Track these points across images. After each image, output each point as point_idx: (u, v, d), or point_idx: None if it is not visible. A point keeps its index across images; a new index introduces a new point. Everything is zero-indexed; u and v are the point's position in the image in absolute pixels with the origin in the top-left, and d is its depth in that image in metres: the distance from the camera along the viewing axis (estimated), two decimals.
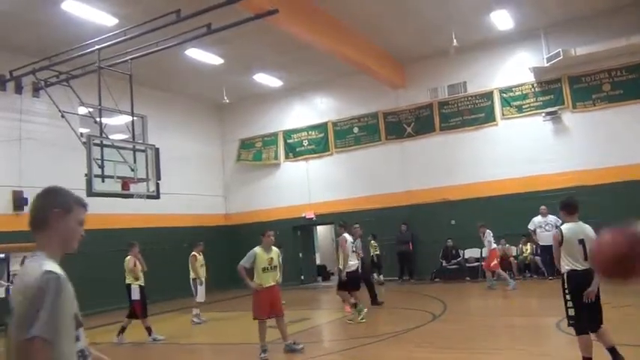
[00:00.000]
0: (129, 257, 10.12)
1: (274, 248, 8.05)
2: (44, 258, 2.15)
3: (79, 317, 2.18)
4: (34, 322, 1.93)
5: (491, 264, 13.68)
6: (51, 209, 2.27)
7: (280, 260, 8.20)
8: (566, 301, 5.30)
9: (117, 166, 10.86)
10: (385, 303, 11.71)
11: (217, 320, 12.28)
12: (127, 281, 10.04)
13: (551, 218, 13.87)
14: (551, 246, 13.24)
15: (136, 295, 9.96)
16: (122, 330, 9.90)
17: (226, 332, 11.01)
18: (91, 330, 10.49)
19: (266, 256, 7.86)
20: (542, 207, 14.17)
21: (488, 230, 13.86)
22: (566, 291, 5.28)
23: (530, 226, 14.29)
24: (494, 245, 13.82)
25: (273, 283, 7.90)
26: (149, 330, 9.95)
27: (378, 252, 16.74)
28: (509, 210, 15.51)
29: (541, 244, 14.11)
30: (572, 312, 5.26)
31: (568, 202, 5.70)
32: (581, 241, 5.26)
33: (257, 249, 7.89)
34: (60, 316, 2.01)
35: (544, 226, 14.08)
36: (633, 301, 8.95)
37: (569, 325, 5.38)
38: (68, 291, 2.08)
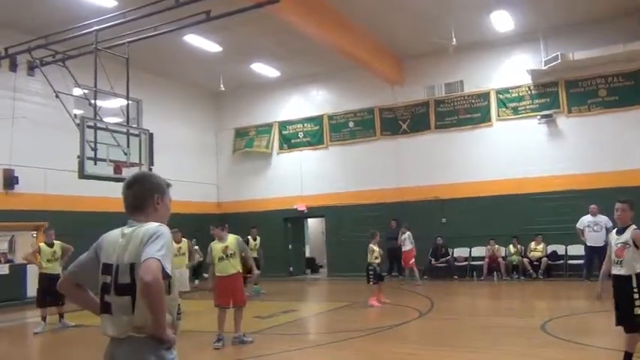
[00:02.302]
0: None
1: (231, 236, 7.98)
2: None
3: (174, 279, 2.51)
4: (154, 250, 2.33)
5: (410, 262, 15.01)
6: (152, 195, 2.64)
7: (239, 248, 7.96)
8: (634, 300, 5.33)
9: (110, 149, 10.78)
10: (365, 299, 11.62)
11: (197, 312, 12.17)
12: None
13: (602, 218, 13.30)
14: (600, 247, 13.28)
15: None
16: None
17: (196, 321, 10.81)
18: (78, 313, 10.46)
19: (220, 245, 7.85)
20: (593, 206, 13.60)
21: (408, 232, 15.11)
22: (635, 289, 5.32)
23: (579, 226, 13.72)
24: (408, 246, 15.06)
25: (233, 272, 7.82)
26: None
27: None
28: (500, 211, 15.60)
29: (589, 244, 13.50)
30: None
31: None
32: None
33: (212, 243, 7.99)
34: (170, 255, 2.41)
35: (592, 226, 13.49)
36: None
37: (637, 321, 5.39)
38: (173, 245, 2.51)
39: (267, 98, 20.01)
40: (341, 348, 7.56)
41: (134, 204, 2.63)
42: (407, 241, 15.15)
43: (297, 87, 19.53)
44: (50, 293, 9.34)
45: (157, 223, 2.52)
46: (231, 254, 7.83)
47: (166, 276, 2.32)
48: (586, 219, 13.76)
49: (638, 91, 14.70)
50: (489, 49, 16.34)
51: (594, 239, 13.36)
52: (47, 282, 9.55)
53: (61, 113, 12.20)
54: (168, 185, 2.75)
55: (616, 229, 5.60)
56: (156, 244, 2.36)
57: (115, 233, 2.61)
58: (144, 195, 2.63)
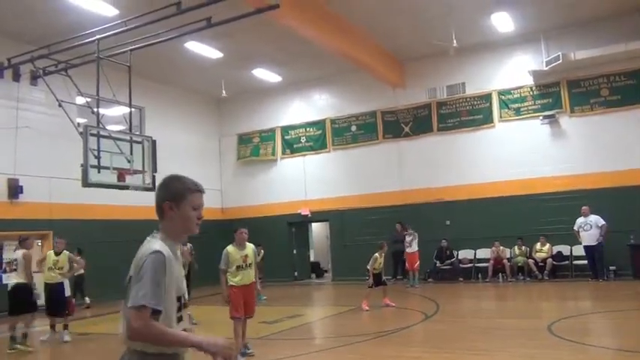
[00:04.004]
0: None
1: (249, 245, 7.62)
2: (158, 239, 2.40)
3: (184, 299, 2.42)
4: (136, 293, 2.20)
5: (415, 265, 15.21)
6: (163, 202, 2.48)
7: (255, 258, 7.70)
8: None
9: (113, 157, 10.82)
10: (377, 302, 11.66)
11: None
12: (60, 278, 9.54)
13: (592, 218, 13.80)
14: (592, 246, 13.57)
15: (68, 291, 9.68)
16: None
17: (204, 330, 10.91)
18: (83, 320, 10.48)
19: (239, 254, 7.42)
20: (584, 207, 14.02)
21: (415, 234, 15.30)
22: None
23: (575, 227, 14.14)
24: (415, 248, 15.34)
25: (249, 282, 7.49)
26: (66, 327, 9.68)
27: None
28: (504, 212, 15.58)
29: (583, 244, 14.01)
30: None
31: None
32: None
33: (229, 247, 7.49)
34: (161, 287, 2.25)
35: (583, 226, 13.95)
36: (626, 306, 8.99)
37: None
38: (170, 271, 2.31)
39: (269, 103, 20.05)
40: (346, 352, 7.55)
41: (155, 210, 2.52)
42: (414, 243, 15.20)
43: (299, 92, 19.57)
44: (50, 303, 9.34)
45: (156, 245, 2.35)
46: (250, 264, 7.50)
47: (156, 312, 2.23)
48: (579, 220, 14.18)
49: None
50: (490, 51, 16.35)
51: (586, 239, 13.93)
52: (47, 291, 9.49)
53: (64, 122, 12.26)
54: (194, 191, 2.55)
55: None
56: (140, 284, 2.22)
57: None
58: (156, 202, 2.50)
